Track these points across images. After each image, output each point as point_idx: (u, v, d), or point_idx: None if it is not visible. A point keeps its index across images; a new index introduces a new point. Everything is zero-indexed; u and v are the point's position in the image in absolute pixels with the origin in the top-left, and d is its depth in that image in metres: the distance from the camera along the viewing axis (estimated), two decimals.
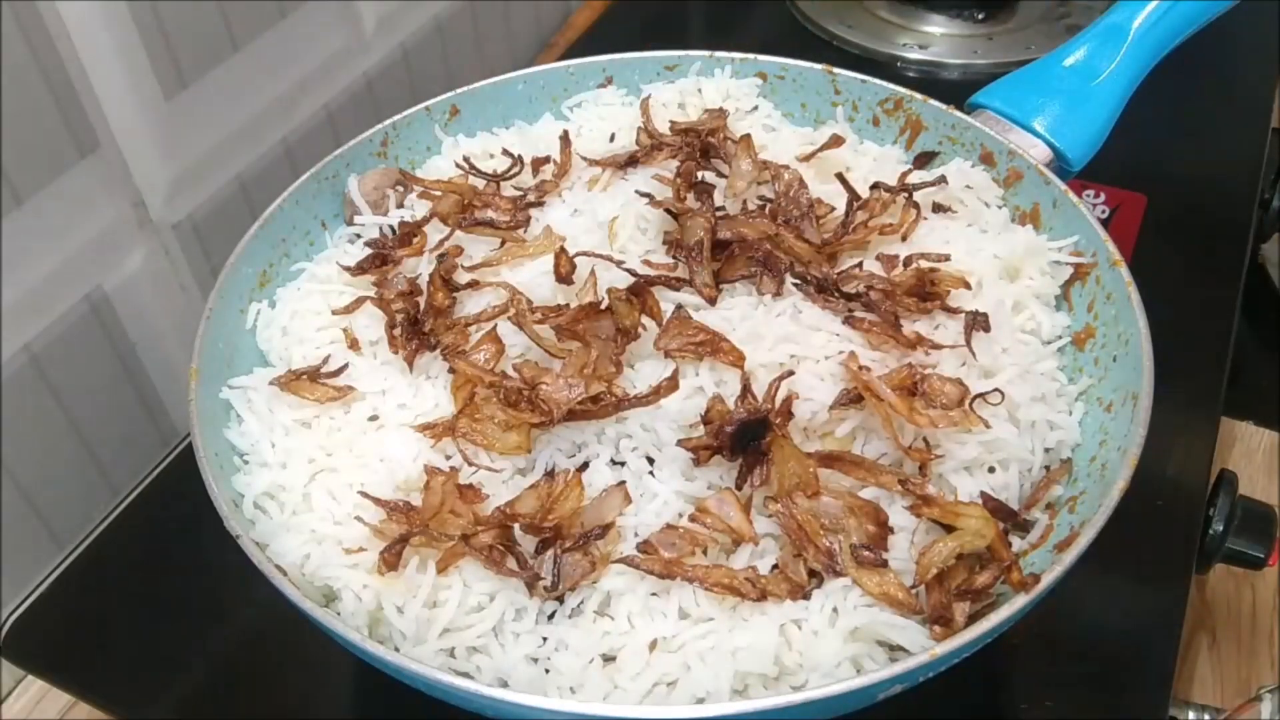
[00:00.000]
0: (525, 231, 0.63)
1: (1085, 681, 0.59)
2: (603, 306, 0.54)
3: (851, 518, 0.48)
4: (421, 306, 0.58)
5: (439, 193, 0.64)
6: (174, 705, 0.62)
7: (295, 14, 0.81)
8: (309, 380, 0.55)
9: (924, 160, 0.69)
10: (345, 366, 0.56)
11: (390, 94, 0.93)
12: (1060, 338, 0.59)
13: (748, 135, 0.65)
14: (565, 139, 0.68)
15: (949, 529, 0.48)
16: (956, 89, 0.71)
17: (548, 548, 0.48)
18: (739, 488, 0.49)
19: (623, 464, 0.51)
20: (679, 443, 0.50)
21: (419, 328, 0.57)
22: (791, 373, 0.51)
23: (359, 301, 0.59)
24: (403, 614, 0.47)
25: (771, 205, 0.62)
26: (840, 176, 0.63)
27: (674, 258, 0.59)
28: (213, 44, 0.75)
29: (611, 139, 0.71)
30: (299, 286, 0.63)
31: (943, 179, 0.64)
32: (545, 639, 0.47)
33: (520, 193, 0.66)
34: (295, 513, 0.51)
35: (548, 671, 0.46)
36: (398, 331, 0.57)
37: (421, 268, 0.61)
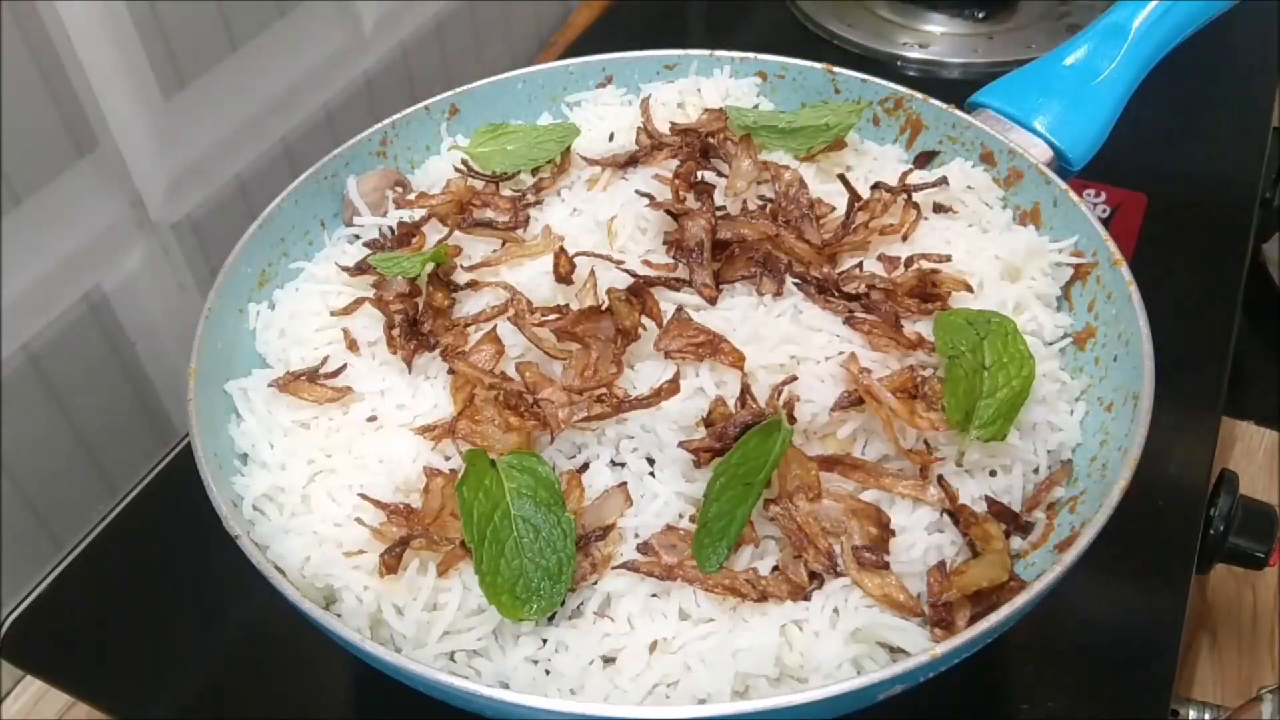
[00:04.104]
0: (524, 231, 0.63)
1: (1085, 681, 0.59)
2: (603, 307, 0.54)
3: (853, 520, 0.48)
4: (420, 307, 0.58)
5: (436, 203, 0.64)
6: (173, 705, 0.62)
7: (294, 13, 0.81)
8: (307, 381, 0.55)
9: (924, 160, 0.69)
10: (344, 367, 0.56)
11: (389, 93, 0.93)
12: (1061, 338, 0.59)
13: (748, 135, 0.65)
14: None
15: (970, 543, 0.48)
16: (957, 88, 0.71)
17: None
18: None
19: (623, 465, 0.51)
20: (680, 444, 0.50)
21: (418, 328, 0.57)
22: (794, 377, 0.51)
23: (358, 302, 0.59)
24: (403, 616, 0.47)
25: (771, 205, 0.62)
26: (841, 177, 0.63)
27: (674, 258, 0.59)
28: (211, 43, 0.75)
29: (611, 138, 0.71)
30: (297, 287, 0.62)
31: (944, 179, 0.63)
32: (545, 640, 0.47)
33: (519, 193, 0.66)
34: (295, 514, 0.51)
35: (548, 673, 0.46)
36: (396, 332, 0.56)
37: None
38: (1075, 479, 0.53)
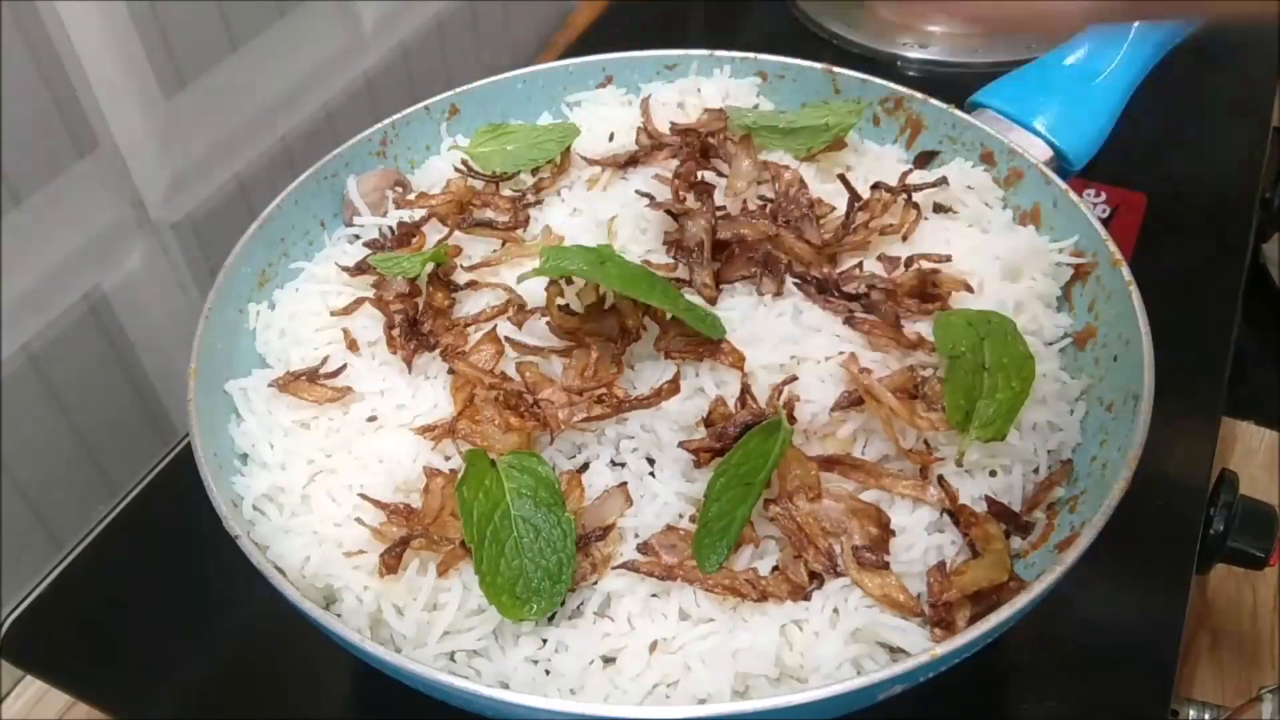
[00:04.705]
0: (524, 231, 0.63)
1: (1085, 681, 0.59)
2: (606, 306, 0.54)
3: (853, 520, 0.48)
4: (420, 307, 0.58)
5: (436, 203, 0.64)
6: (173, 705, 0.62)
7: (294, 13, 0.81)
8: (307, 381, 0.55)
9: (924, 160, 0.69)
10: (344, 367, 0.56)
11: (389, 93, 0.93)
12: (1061, 338, 0.59)
13: (748, 135, 0.65)
14: None
15: (970, 543, 0.48)
16: (957, 88, 0.71)
17: None
18: None
19: (623, 465, 0.51)
20: (680, 444, 0.50)
21: (418, 328, 0.57)
22: (794, 377, 0.51)
23: (358, 302, 0.59)
24: (403, 616, 0.47)
25: (771, 205, 0.62)
26: (841, 176, 0.63)
27: (674, 258, 0.59)
28: (211, 43, 0.75)
29: (611, 138, 0.71)
30: (297, 287, 0.62)
31: (944, 180, 0.63)
32: (545, 640, 0.47)
33: (519, 193, 0.66)
34: (295, 514, 0.51)
35: (548, 673, 0.46)
36: (396, 332, 0.56)
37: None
38: (1075, 479, 0.53)
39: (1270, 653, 0.72)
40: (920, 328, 0.55)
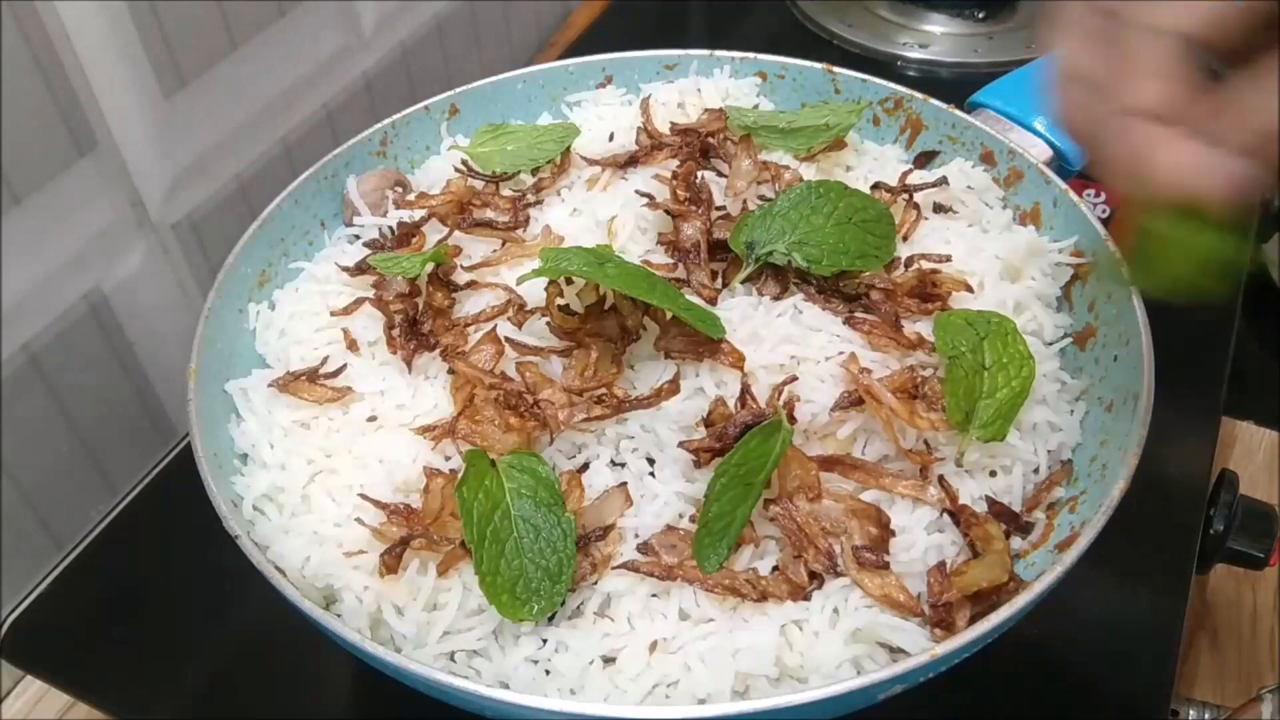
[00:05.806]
0: (524, 231, 0.63)
1: (1085, 681, 0.59)
2: (606, 306, 0.54)
3: (853, 520, 0.48)
4: (420, 307, 0.58)
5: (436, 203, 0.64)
6: (173, 705, 0.61)
7: (294, 13, 0.81)
8: (307, 381, 0.55)
9: (924, 160, 0.69)
10: (344, 367, 0.56)
11: (389, 93, 0.93)
12: (1061, 338, 0.59)
13: (748, 135, 0.65)
14: None
15: (970, 543, 0.48)
16: (957, 88, 0.71)
17: None
18: None
19: (623, 465, 0.51)
20: (680, 444, 0.50)
21: (418, 328, 0.57)
22: (794, 377, 0.51)
23: (358, 302, 0.59)
24: (403, 616, 0.47)
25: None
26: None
27: (672, 258, 0.59)
28: (212, 43, 0.75)
29: (611, 138, 0.71)
30: (297, 287, 0.62)
31: (944, 179, 0.63)
32: (545, 640, 0.47)
33: (519, 193, 0.66)
34: (295, 514, 0.51)
35: (548, 673, 0.46)
36: (396, 332, 0.56)
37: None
38: (1075, 479, 0.53)
39: (1270, 653, 0.72)
40: (920, 328, 0.55)
